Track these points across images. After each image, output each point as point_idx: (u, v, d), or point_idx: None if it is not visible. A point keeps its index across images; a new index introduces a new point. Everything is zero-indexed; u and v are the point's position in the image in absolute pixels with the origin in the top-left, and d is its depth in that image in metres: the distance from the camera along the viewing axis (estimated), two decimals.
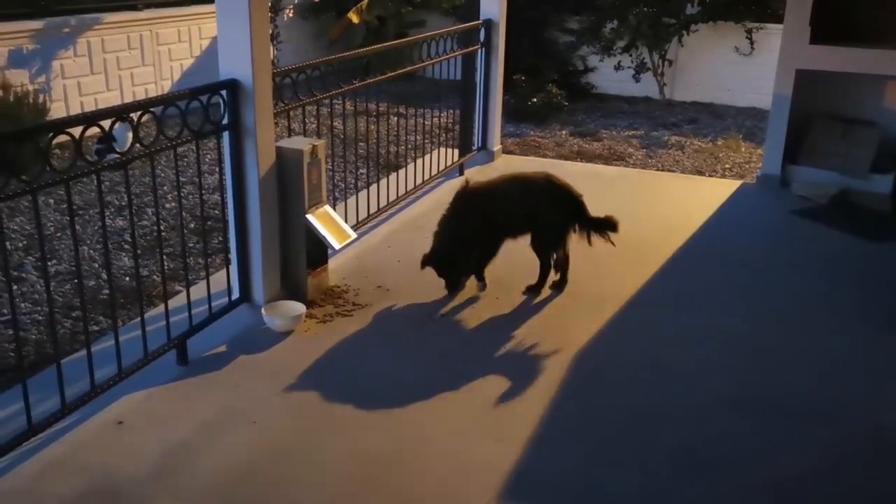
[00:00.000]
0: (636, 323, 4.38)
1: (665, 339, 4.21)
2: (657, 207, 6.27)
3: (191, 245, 5.81)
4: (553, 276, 4.65)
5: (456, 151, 6.99)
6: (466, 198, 4.48)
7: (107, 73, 9.16)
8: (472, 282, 4.61)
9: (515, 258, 4.64)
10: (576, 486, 3.09)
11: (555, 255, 4.61)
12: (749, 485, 3.12)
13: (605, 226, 4.48)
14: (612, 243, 4.52)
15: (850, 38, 6.36)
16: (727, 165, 8.48)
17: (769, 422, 3.50)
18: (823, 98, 6.78)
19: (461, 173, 6.76)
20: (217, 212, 6.32)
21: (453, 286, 4.48)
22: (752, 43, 10.82)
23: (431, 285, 4.51)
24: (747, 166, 8.44)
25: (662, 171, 8.18)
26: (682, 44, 11.22)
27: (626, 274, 4.93)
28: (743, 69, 11.05)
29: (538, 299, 4.57)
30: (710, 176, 8.03)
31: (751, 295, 4.77)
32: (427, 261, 4.43)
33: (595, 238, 4.50)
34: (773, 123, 6.76)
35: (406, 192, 5.92)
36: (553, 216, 4.49)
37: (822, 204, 6.30)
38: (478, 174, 6.63)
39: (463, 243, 4.41)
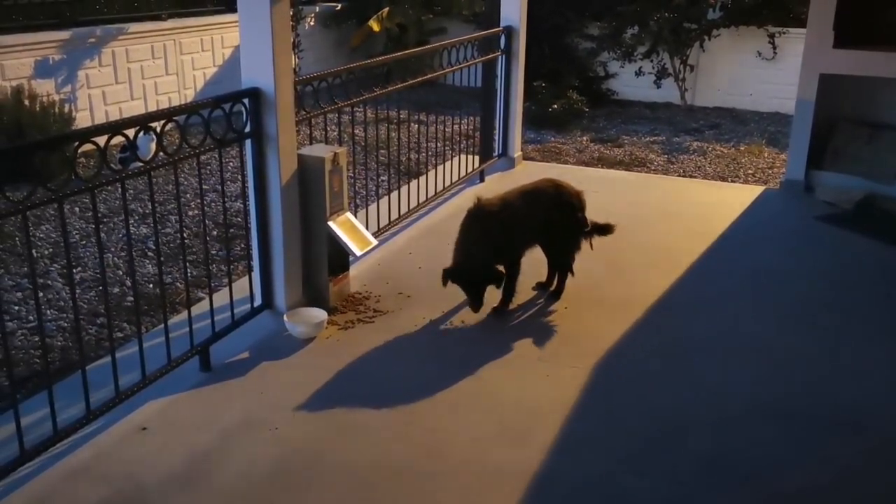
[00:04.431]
0: (660, 329, 4.35)
1: (689, 345, 4.18)
2: (680, 213, 6.23)
3: (213, 252, 5.85)
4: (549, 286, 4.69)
5: (476, 158, 6.99)
6: (481, 216, 4.31)
7: (131, 82, 9.28)
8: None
9: (534, 267, 4.63)
10: (601, 494, 3.07)
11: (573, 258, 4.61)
12: (777, 493, 3.08)
13: (600, 230, 4.62)
14: (591, 246, 4.61)
15: (875, 41, 6.30)
16: (750, 171, 8.42)
17: (796, 430, 3.46)
18: (848, 102, 6.71)
19: (482, 180, 6.76)
20: (239, 219, 6.36)
21: (475, 302, 4.31)
22: (774, 47, 10.75)
23: (452, 292, 4.49)
24: (770, 172, 8.37)
25: (684, 176, 8.13)
26: (704, 49, 11.17)
27: (649, 279, 4.90)
28: (766, 74, 10.98)
29: (557, 305, 4.55)
30: (733, 182, 7.97)
31: (776, 301, 4.72)
32: (450, 275, 4.26)
33: (600, 242, 4.62)
34: (797, 128, 6.70)
35: (427, 199, 5.93)
36: (567, 220, 4.49)
37: (847, 209, 6.23)
38: (498, 181, 6.63)
39: (483, 261, 4.28)
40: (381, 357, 4.02)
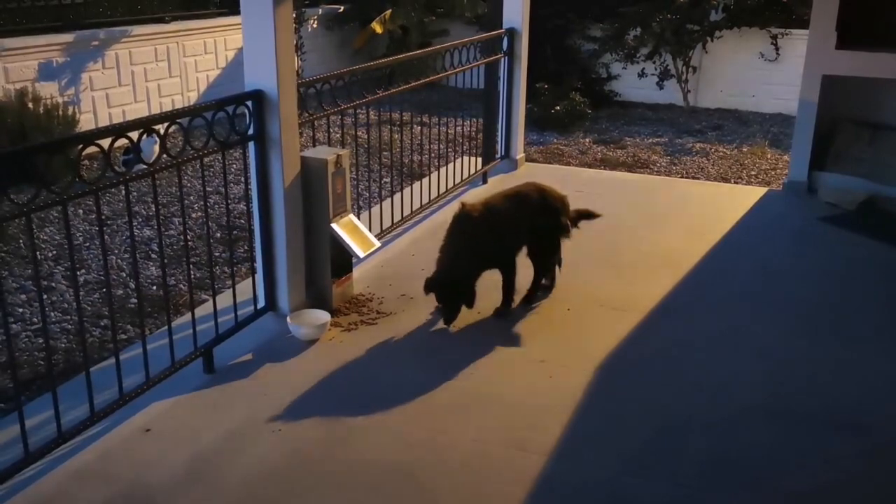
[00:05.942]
0: (662, 330, 4.35)
1: (691, 346, 4.18)
2: (682, 215, 6.23)
3: (217, 254, 5.86)
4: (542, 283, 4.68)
5: (479, 160, 7.00)
6: (467, 221, 4.29)
7: (134, 84, 9.30)
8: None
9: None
10: (601, 495, 3.07)
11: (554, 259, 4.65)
12: (777, 494, 3.08)
13: (584, 216, 4.71)
14: (577, 225, 4.66)
15: (877, 42, 6.30)
16: (753, 172, 8.42)
17: (798, 431, 3.46)
18: (850, 103, 6.70)
19: (485, 181, 6.77)
20: (243, 221, 6.38)
21: (451, 316, 4.25)
22: (777, 49, 10.75)
23: None
24: (773, 173, 8.37)
25: (687, 178, 8.14)
26: (707, 50, 11.18)
27: (651, 281, 4.90)
28: (768, 75, 10.98)
29: (558, 306, 4.56)
30: (736, 183, 7.97)
31: (778, 302, 4.72)
32: (430, 286, 4.22)
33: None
34: (800, 129, 6.70)
35: (429, 201, 5.94)
36: (550, 224, 4.49)
37: (849, 211, 6.23)
38: (501, 182, 6.63)
39: (469, 267, 4.26)
40: (383, 358, 4.03)
